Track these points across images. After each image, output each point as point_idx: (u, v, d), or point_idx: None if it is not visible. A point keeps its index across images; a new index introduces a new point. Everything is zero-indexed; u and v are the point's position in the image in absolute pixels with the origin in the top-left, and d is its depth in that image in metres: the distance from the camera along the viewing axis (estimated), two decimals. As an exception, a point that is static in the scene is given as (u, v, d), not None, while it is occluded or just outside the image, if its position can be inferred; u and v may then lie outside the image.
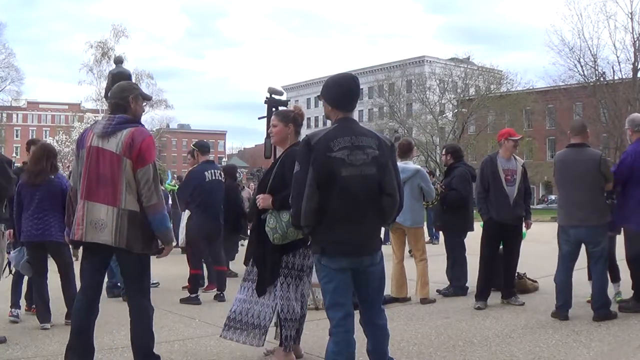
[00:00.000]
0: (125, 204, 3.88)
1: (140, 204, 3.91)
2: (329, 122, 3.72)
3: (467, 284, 7.31)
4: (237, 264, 9.19)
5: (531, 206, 7.34)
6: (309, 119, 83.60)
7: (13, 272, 5.98)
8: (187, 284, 7.30)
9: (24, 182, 5.71)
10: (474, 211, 8.01)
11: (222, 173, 7.73)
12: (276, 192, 4.21)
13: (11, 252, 5.88)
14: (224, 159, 70.36)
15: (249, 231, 9.52)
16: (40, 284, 5.74)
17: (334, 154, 3.37)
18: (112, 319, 6.07)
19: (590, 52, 37.05)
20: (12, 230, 6.09)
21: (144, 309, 4.06)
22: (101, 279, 4.16)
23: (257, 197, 4.35)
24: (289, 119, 4.54)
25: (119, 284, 7.26)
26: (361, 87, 4.14)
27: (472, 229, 7.65)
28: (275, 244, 4.20)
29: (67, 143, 46.76)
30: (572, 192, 5.81)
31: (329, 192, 3.36)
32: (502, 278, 6.69)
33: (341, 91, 3.62)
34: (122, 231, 3.85)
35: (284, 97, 7.11)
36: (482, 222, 6.72)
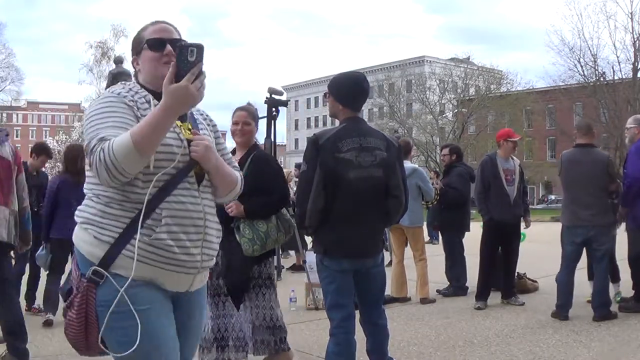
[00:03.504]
0: (14, 205, 4.40)
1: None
2: (329, 122, 3.70)
3: (467, 284, 7.31)
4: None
5: (531, 206, 7.38)
6: (308, 119, 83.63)
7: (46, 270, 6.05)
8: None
9: (69, 181, 5.81)
10: (473, 211, 8.02)
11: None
12: (247, 199, 3.65)
13: (38, 251, 5.90)
14: (224, 159, 70.23)
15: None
16: (55, 280, 5.79)
17: (342, 154, 3.33)
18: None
19: (590, 52, 37.14)
20: None
21: (14, 297, 4.57)
22: None
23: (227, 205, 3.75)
24: (256, 117, 4.20)
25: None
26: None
27: (469, 229, 7.65)
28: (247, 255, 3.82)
29: (67, 143, 46.73)
30: (578, 193, 5.79)
31: (334, 193, 3.32)
32: (502, 278, 6.70)
33: (354, 90, 3.55)
34: (13, 229, 4.34)
35: (284, 97, 7.08)
36: (482, 223, 6.72)
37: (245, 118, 4.03)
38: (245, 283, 3.89)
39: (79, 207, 2.05)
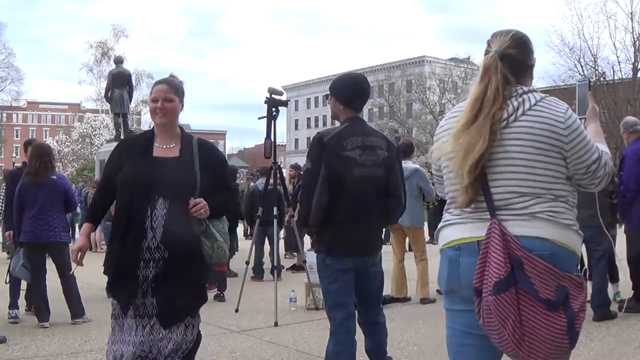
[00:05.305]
0: None
1: None
2: (329, 122, 3.71)
3: (467, 284, 7.30)
4: (237, 264, 9.19)
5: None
6: (308, 119, 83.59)
7: (7, 280, 6.00)
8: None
9: (27, 182, 5.70)
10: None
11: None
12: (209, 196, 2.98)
13: (12, 265, 5.84)
14: (224, 159, 70.21)
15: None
16: (39, 284, 5.73)
17: (346, 153, 3.36)
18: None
19: (590, 52, 37.12)
20: (12, 232, 6.10)
21: None
22: None
23: (192, 204, 2.90)
24: (182, 92, 3.14)
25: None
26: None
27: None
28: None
29: (67, 143, 46.80)
30: (577, 193, 5.78)
31: (338, 191, 3.33)
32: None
33: (355, 90, 3.59)
34: None
35: (284, 97, 7.07)
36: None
37: (166, 93, 3.02)
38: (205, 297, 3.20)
39: (555, 209, 2.20)
